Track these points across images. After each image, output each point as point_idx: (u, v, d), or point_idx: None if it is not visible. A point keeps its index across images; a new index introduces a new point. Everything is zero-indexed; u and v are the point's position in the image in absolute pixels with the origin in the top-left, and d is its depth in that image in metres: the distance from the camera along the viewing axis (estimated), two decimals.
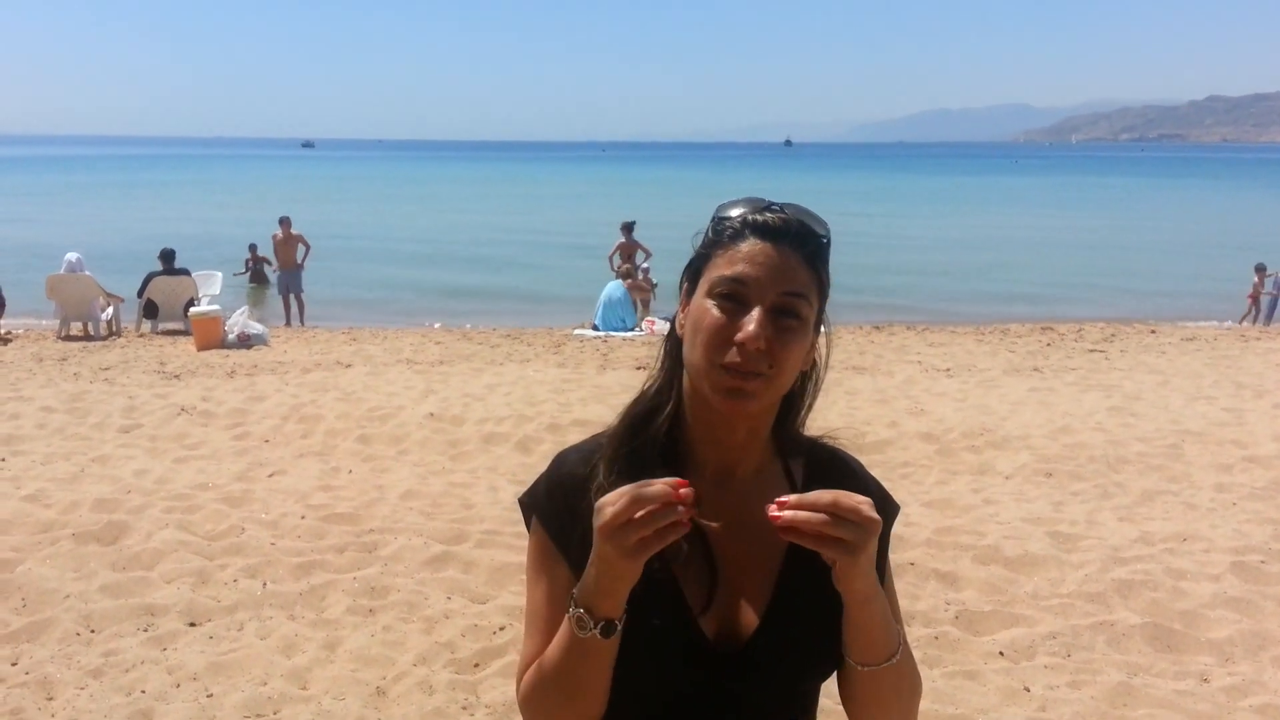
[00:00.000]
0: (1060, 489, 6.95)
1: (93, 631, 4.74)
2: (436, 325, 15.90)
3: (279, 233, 17.18)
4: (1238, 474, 7.23)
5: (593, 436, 1.46)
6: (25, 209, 43.10)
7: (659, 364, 1.44)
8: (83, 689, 4.20)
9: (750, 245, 1.32)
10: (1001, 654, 4.59)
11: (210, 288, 16.10)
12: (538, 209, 46.08)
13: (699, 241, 1.40)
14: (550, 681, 1.28)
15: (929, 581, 5.34)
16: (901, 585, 5.25)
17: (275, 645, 4.61)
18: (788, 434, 1.47)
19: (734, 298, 1.30)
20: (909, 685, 1.38)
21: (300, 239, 17.14)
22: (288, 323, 16.55)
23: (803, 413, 1.47)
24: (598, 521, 1.17)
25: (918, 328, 15.32)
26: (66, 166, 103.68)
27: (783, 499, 1.19)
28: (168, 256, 15.30)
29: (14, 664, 4.42)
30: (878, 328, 15.36)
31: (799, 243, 1.33)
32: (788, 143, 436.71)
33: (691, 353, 1.33)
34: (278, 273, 17.31)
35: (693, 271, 1.39)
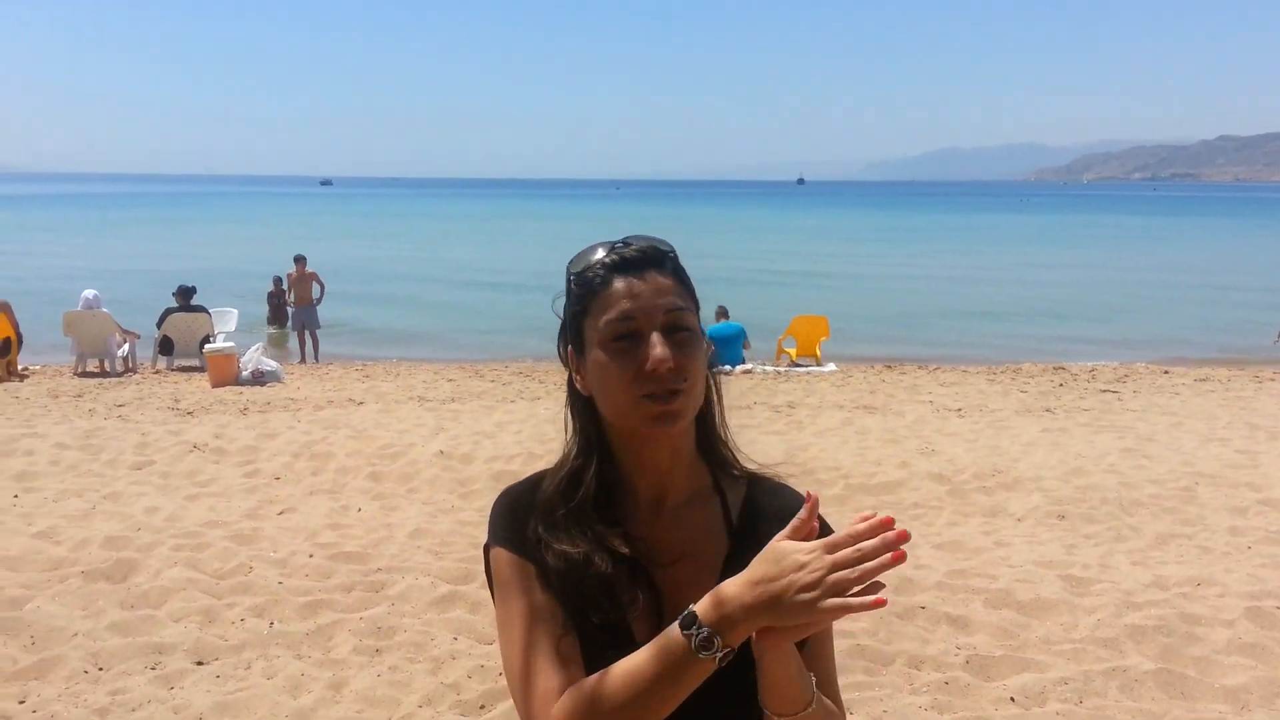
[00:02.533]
0: (1073, 531, 6.90)
1: (100, 670, 4.73)
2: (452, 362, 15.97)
3: (294, 271, 17.31)
4: (1252, 517, 7.16)
5: (529, 478, 1.52)
6: (47, 245, 43.53)
7: (571, 428, 1.49)
8: None
9: (620, 283, 1.38)
10: (1013, 700, 4.53)
11: (226, 324, 16.22)
12: (554, 245, 46.23)
13: (562, 305, 1.47)
14: (632, 699, 1.23)
15: (940, 625, 5.29)
16: (912, 629, 5.21)
17: (281, 685, 4.60)
18: (714, 449, 1.52)
19: (627, 335, 1.36)
20: None
21: (315, 277, 17.24)
22: (302, 359, 16.65)
23: (717, 418, 1.51)
24: (807, 578, 1.17)
25: (929, 367, 15.29)
26: (87, 204, 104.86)
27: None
28: (185, 293, 15.43)
29: (21, 702, 4.41)
30: (889, 366, 15.34)
31: (658, 264, 1.41)
32: (800, 181, 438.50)
33: (609, 400, 1.38)
34: (293, 309, 17.40)
35: (573, 333, 1.44)
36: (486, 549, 1.46)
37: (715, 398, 1.50)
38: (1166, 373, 14.61)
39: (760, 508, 1.49)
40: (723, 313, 15.48)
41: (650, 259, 1.40)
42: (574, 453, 1.47)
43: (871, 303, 25.42)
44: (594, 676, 1.27)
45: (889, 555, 1.17)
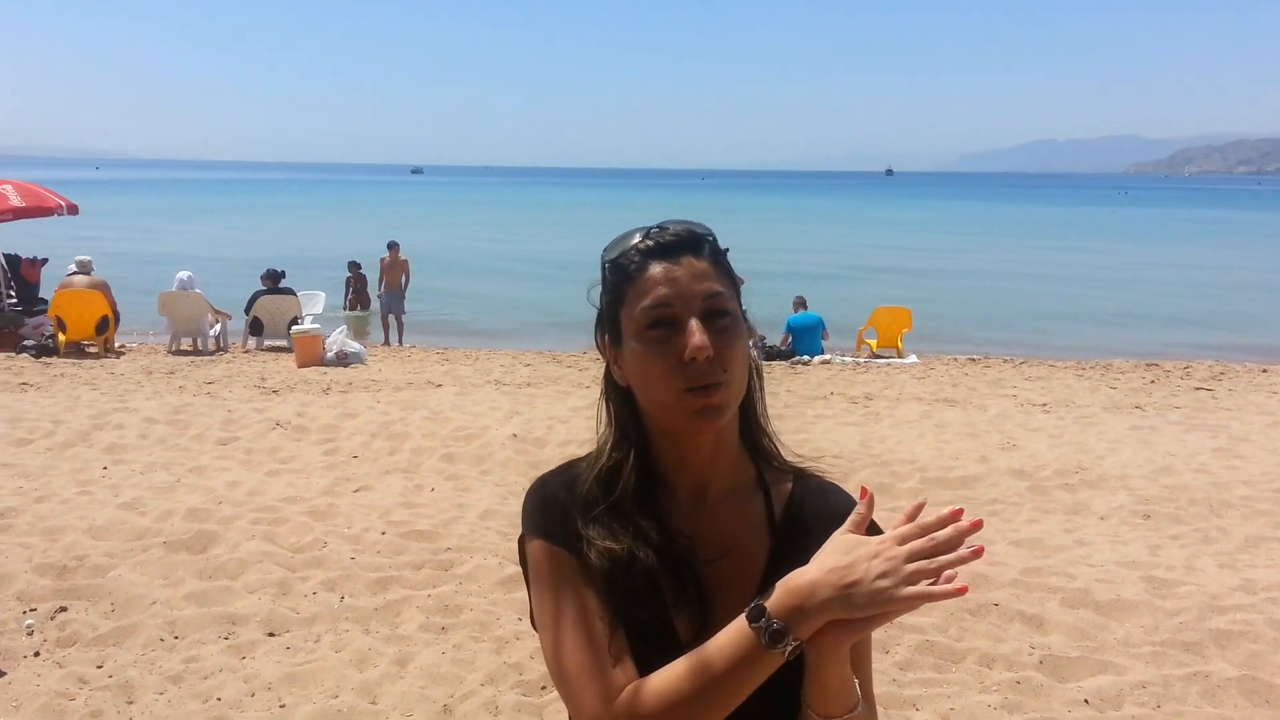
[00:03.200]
0: (1158, 532, 6.67)
1: (176, 638, 4.87)
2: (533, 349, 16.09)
3: (387, 256, 17.57)
4: None
5: (567, 463, 1.47)
6: (148, 229, 45.02)
7: (607, 420, 1.45)
8: (161, 694, 4.31)
9: (656, 269, 1.33)
10: (1087, 702, 4.40)
11: (313, 307, 16.56)
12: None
13: (597, 294, 1.42)
14: (702, 694, 1.21)
15: (1013, 624, 5.16)
16: (984, 627, 5.09)
17: (349, 659, 4.68)
18: (757, 441, 1.46)
19: (664, 323, 1.31)
20: None
21: (405, 264, 17.50)
22: (386, 342, 16.92)
23: (760, 407, 1.46)
24: (884, 565, 1.16)
25: (1015, 361, 14.92)
26: (189, 189, 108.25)
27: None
28: (274, 276, 15.79)
29: (99, 667, 4.56)
30: (973, 359, 15.02)
31: (695, 248, 1.35)
32: (889, 172, 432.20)
33: (649, 393, 1.34)
34: (382, 294, 17.64)
35: (609, 322, 1.40)
36: (522, 541, 1.42)
37: (758, 385, 1.45)
38: (1265, 371, 14.03)
39: (807, 506, 1.44)
40: (801, 303, 15.32)
41: (687, 243, 1.35)
42: (610, 445, 1.43)
43: (956, 296, 24.92)
44: (658, 674, 1.24)
45: (967, 551, 1.17)
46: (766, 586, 1.25)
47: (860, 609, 1.15)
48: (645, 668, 1.27)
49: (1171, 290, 27.44)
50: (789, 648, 1.18)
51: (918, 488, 7.47)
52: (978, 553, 1.17)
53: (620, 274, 1.36)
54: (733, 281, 1.38)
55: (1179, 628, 5.07)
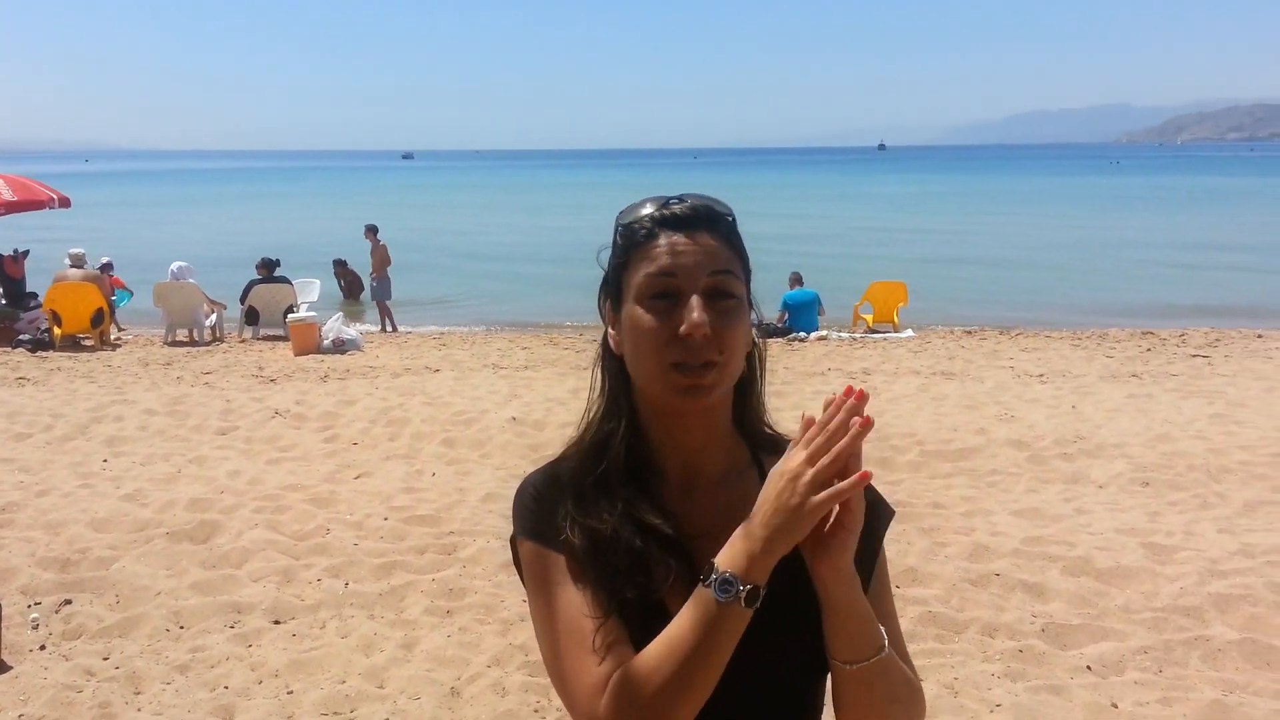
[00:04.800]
0: (1157, 499, 6.70)
1: (181, 628, 4.89)
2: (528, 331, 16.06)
3: (370, 244, 17.39)
4: None
5: (555, 459, 1.44)
6: (144, 219, 44.87)
7: (599, 388, 1.42)
8: (169, 684, 4.33)
9: (667, 239, 1.31)
10: (1089, 669, 4.43)
11: (309, 295, 16.52)
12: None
13: (606, 257, 1.39)
14: (678, 668, 1.19)
15: (1015, 593, 5.19)
16: (985, 596, 5.12)
17: (355, 644, 4.70)
18: (751, 426, 1.44)
19: (666, 294, 1.28)
20: (906, 694, 1.31)
21: (384, 249, 17.16)
22: (383, 328, 16.88)
23: (759, 397, 1.44)
24: (791, 484, 1.17)
25: (1010, 332, 14.94)
26: (180, 180, 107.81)
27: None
28: (268, 265, 15.74)
29: (105, 658, 4.58)
30: (969, 332, 15.03)
31: (711, 225, 1.33)
32: (881, 146, 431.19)
33: (638, 363, 1.32)
34: (373, 281, 17.43)
35: (613, 287, 1.38)
36: (513, 541, 1.40)
37: (759, 371, 1.42)
38: (1260, 337, 14.05)
39: None
40: (797, 279, 15.30)
41: (703, 218, 1.32)
42: (601, 415, 1.40)
43: (949, 270, 24.89)
44: (632, 660, 1.22)
45: (856, 424, 1.17)
46: None
47: (797, 532, 1.16)
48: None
49: (1164, 258, 27.43)
50: (743, 594, 1.17)
51: (917, 460, 7.49)
52: (866, 424, 1.17)
53: (629, 238, 1.34)
54: (744, 265, 1.35)
55: (1179, 593, 5.10)
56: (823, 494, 1.15)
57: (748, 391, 1.42)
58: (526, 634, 4.76)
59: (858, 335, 15.01)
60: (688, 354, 1.25)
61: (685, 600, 1.25)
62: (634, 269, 1.32)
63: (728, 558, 1.19)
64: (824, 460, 1.16)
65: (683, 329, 1.25)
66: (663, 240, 1.30)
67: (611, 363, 1.40)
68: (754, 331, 1.38)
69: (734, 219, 1.37)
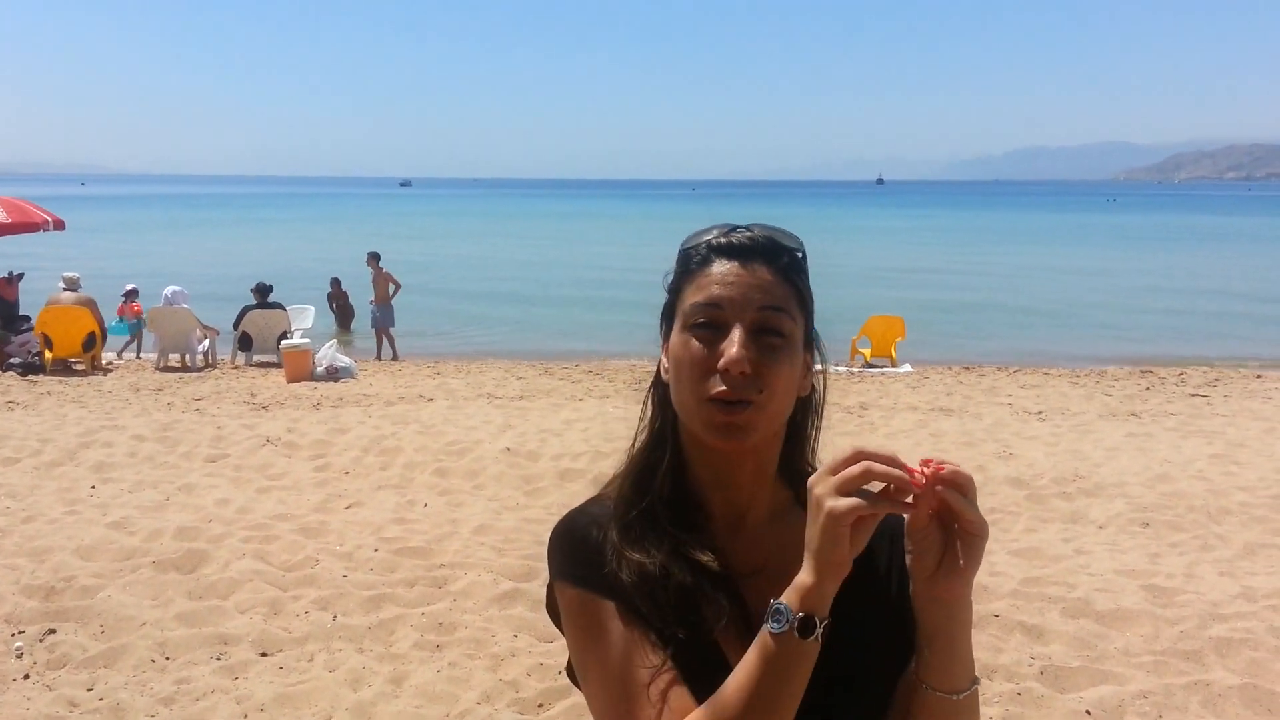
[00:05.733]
0: (1157, 540, 6.63)
1: (167, 659, 4.79)
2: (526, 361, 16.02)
3: (371, 270, 17.39)
4: None
5: (594, 499, 1.39)
6: (135, 244, 44.87)
7: (647, 417, 1.37)
8: (153, 716, 4.24)
9: (720, 267, 1.27)
10: (1088, 713, 4.35)
11: (302, 321, 16.47)
12: (624, 245, 46.30)
13: (669, 281, 1.35)
14: (744, 711, 1.12)
15: (1014, 634, 5.11)
16: (984, 638, 5.04)
17: (342, 678, 4.61)
18: (798, 469, 1.37)
19: (711, 324, 1.24)
20: None
21: (388, 276, 17.20)
22: (378, 356, 16.80)
23: (811, 443, 1.38)
24: (823, 505, 1.08)
25: (1009, 369, 14.91)
26: (177, 205, 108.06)
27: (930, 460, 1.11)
28: (262, 290, 15.71)
29: (89, 689, 4.49)
30: (967, 368, 15.00)
31: (770, 257, 1.28)
32: (879, 180, 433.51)
33: (678, 393, 1.27)
34: (373, 308, 17.34)
35: (668, 311, 1.33)
36: (551, 588, 1.34)
37: (814, 417, 1.36)
38: (1259, 377, 14.04)
39: None
40: None
41: (762, 249, 1.27)
42: (646, 445, 1.36)
43: (948, 305, 24.91)
44: (703, 706, 1.16)
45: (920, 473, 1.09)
46: None
47: (833, 547, 1.07)
48: (699, 697, 1.18)
49: (1163, 297, 27.48)
50: (794, 623, 1.10)
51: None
52: (917, 479, 1.09)
53: (685, 263, 1.31)
54: (803, 303, 1.29)
55: (1179, 636, 5.03)
56: (844, 501, 1.07)
57: (798, 436, 1.37)
58: (517, 670, 4.68)
59: (855, 369, 14.97)
60: (725, 390, 1.21)
61: (738, 641, 1.20)
62: (685, 295, 1.29)
63: (796, 595, 1.12)
64: (852, 470, 1.07)
65: (721, 363, 1.21)
66: (715, 269, 1.27)
67: (660, 392, 1.35)
68: (815, 375, 1.33)
69: (802, 254, 1.32)
